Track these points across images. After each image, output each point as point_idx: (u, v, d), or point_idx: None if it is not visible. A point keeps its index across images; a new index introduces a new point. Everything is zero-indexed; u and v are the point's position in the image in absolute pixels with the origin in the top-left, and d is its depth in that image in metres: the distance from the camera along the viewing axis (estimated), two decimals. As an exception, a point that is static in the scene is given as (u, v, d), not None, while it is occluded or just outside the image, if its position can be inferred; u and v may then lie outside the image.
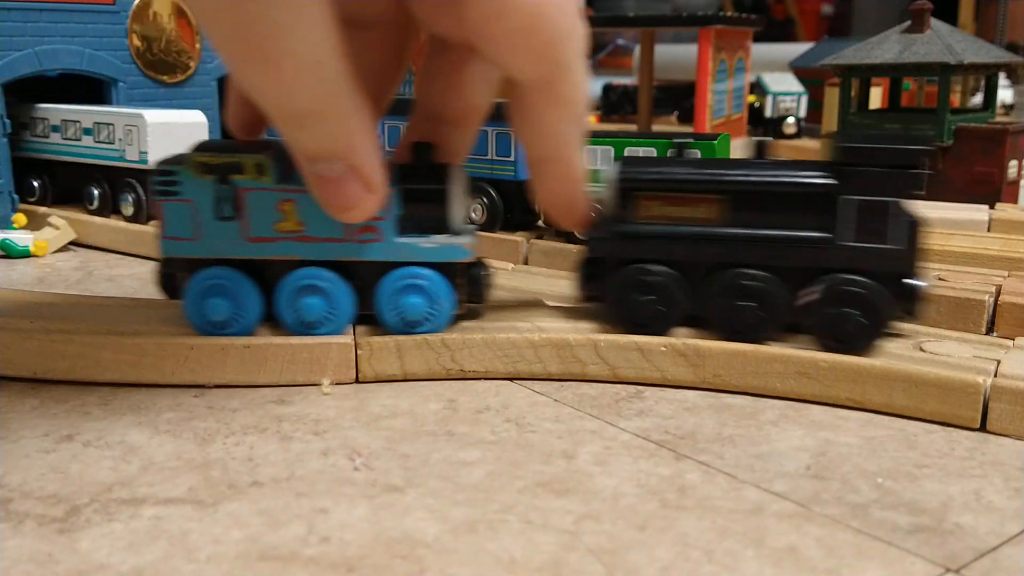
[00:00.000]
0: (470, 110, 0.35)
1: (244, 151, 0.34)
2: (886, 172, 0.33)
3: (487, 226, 0.53)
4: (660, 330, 0.35)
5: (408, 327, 0.35)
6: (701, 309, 0.35)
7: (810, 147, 1.09)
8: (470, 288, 0.35)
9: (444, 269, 0.35)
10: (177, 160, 0.35)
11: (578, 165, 0.33)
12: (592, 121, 1.38)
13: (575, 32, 0.29)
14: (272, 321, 0.35)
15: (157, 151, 0.55)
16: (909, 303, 0.33)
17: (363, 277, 0.35)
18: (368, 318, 0.35)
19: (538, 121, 0.31)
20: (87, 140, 0.59)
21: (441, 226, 0.34)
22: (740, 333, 0.34)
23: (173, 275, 0.36)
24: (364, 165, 0.29)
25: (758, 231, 0.34)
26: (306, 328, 0.35)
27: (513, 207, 0.53)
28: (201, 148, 0.34)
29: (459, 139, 0.35)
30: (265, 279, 0.35)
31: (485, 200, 0.53)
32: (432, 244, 0.34)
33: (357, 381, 0.34)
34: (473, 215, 0.53)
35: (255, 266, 0.34)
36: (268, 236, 0.34)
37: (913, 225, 0.33)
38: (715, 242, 0.34)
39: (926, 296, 0.34)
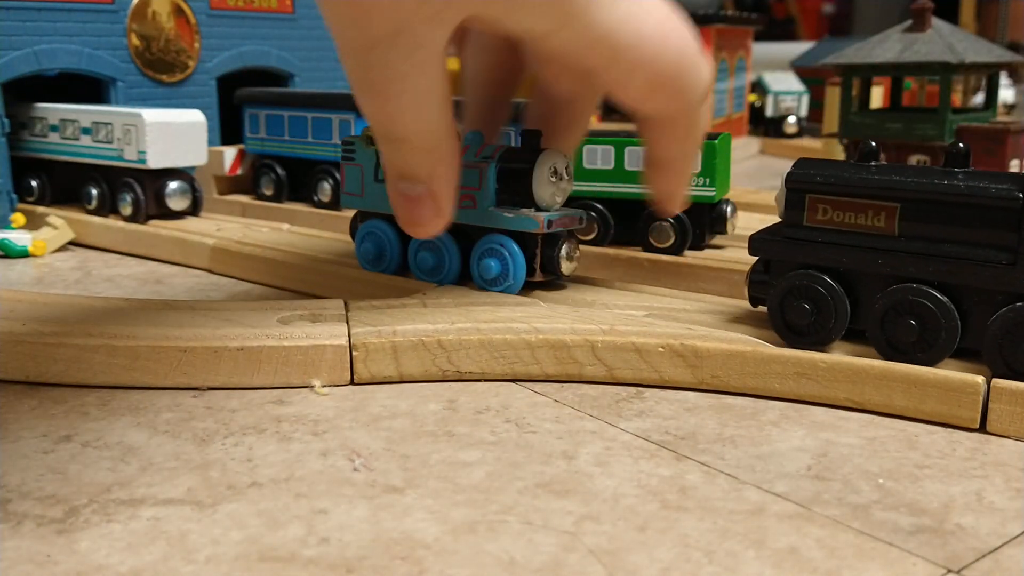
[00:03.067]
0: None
1: None
2: None
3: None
4: (819, 341, 0.33)
5: None
6: (860, 322, 0.33)
7: (811, 147, 1.09)
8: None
9: None
10: (357, 136, 0.44)
11: (689, 169, 0.37)
12: (592, 121, 1.38)
13: (700, 74, 0.31)
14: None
15: (155, 151, 0.55)
16: None
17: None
18: None
19: (660, 143, 0.34)
20: (85, 140, 0.59)
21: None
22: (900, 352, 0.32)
23: (356, 222, 0.45)
24: (440, 193, 0.33)
25: (931, 244, 0.32)
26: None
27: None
28: None
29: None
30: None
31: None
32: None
33: (352, 383, 0.34)
34: None
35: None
36: None
37: None
38: (885, 253, 0.32)
39: None
